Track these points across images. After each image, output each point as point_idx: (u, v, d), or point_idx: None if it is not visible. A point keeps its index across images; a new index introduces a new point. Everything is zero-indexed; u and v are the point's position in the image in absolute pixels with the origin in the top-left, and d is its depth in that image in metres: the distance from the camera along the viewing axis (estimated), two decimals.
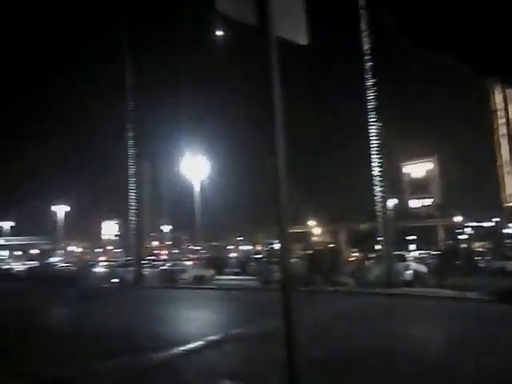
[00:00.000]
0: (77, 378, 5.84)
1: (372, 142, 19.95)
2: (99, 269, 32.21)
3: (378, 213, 19.91)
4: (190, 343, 7.87)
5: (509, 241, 66.72)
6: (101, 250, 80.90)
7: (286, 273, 2.78)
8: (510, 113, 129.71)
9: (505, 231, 75.00)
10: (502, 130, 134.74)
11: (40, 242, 76.65)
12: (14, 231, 72.18)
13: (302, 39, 3.11)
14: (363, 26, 19.83)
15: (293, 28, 3.02)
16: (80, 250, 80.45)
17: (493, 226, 76.34)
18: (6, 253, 77.74)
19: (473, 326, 9.79)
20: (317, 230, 69.09)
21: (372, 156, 19.98)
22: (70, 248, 78.38)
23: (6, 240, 72.93)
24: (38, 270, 33.84)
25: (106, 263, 36.77)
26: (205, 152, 38.12)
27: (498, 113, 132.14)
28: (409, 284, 19.62)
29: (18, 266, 46.79)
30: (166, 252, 66.06)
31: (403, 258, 21.46)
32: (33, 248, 79.65)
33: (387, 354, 6.88)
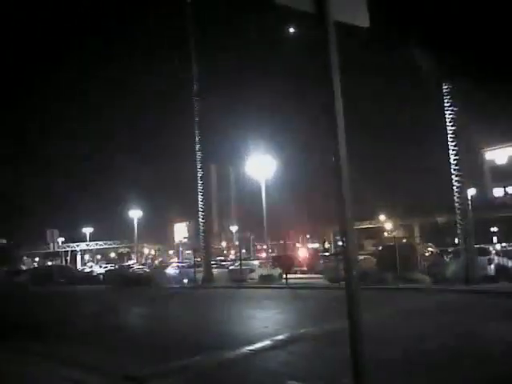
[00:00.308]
0: (147, 376, 5.88)
1: (448, 127, 18.67)
2: (171, 270, 33.37)
3: (455, 204, 18.61)
4: (257, 343, 7.72)
5: None
6: (172, 251, 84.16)
7: (351, 270, 2.57)
8: None
9: None
10: None
11: (117, 246, 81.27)
12: (93, 236, 77.09)
13: (363, 21, 2.94)
14: None
15: (352, 10, 2.87)
16: (153, 252, 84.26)
17: None
18: (87, 257, 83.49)
19: None
20: (388, 225, 66.58)
21: (448, 143, 18.70)
22: (144, 250, 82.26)
23: (87, 245, 78.10)
24: (116, 273, 35.74)
25: (177, 264, 38.02)
26: (270, 150, 38.11)
27: None
28: (492, 279, 18.20)
29: (98, 269, 49.78)
30: (234, 252, 67.19)
31: (486, 252, 19.93)
32: (111, 252, 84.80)
33: (462, 356, 6.27)
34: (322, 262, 31.94)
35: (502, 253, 23.33)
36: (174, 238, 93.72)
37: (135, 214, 64.82)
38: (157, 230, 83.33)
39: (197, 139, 28.28)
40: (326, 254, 43.02)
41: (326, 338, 8.14)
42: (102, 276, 36.71)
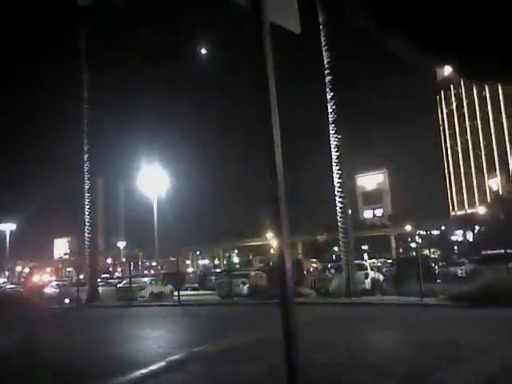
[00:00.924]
0: None
1: (333, 154, 20.23)
2: (50, 289, 30.59)
3: (338, 223, 20.11)
4: (150, 365, 7.42)
5: (456, 247, 70.59)
6: (51, 269, 77.26)
7: (284, 285, 2.64)
8: (455, 126, 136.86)
9: (453, 238, 79.41)
10: (449, 142, 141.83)
11: None
12: None
13: (296, 27, 3.00)
14: (322, 39, 20.22)
15: (286, 15, 2.92)
16: (28, 269, 76.40)
17: (441, 234, 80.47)
18: None
19: (434, 331, 9.98)
20: (275, 243, 69.07)
21: (333, 167, 20.24)
22: (17, 268, 74.25)
23: None
24: None
25: (57, 283, 34.97)
26: (162, 166, 37.43)
27: (446, 125, 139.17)
28: (368, 292, 19.92)
29: None
30: (121, 269, 64.04)
31: (362, 267, 21.77)
32: None
33: (354, 365, 6.78)
34: (213, 278, 32.02)
35: (376, 268, 25.82)
36: (53, 254, 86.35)
37: (7, 227, 58.52)
38: (33, 246, 76.09)
39: (85, 149, 26.64)
40: (218, 270, 43.24)
41: (222, 355, 8.15)
42: None
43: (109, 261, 79.06)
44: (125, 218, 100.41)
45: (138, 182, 38.20)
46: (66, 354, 9.25)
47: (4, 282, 47.57)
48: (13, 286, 38.04)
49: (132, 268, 32.99)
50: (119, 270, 66.11)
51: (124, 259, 75.73)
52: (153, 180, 35.12)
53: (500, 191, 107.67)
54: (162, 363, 7.58)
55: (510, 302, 12.86)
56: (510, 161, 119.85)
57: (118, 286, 27.35)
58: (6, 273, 67.29)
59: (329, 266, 31.67)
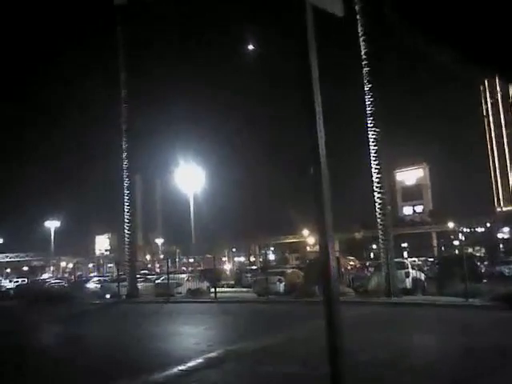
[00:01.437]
0: None
1: (371, 148, 19.68)
2: (92, 284, 31.53)
3: (377, 220, 19.56)
4: (189, 361, 7.41)
5: (502, 245, 67.46)
6: (92, 264, 79.88)
7: (329, 285, 2.51)
8: (501, 117, 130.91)
9: (499, 235, 75.79)
10: (494, 134, 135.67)
11: (31, 259, 75.39)
12: (2, 248, 70.92)
13: (338, 10, 2.88)
14: (360, 29, 19.71)
15: None
16: (71, 265, 79.36)
17: (487, 232, 77.00)
18: None
19: (479, 334, 9.48)
20: (311, 240, 68.63)
21: (371, 163, 19.69)
22: (61, 263, 77.17)
23: None
24: (27, 288, 32.99)
25: (98, 278, 36.04)
26: (199, 163, 37.81)
27: (491, 118, 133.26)
28: (409, 292, 19.29)
29: (8, 284, 45.74)
30: (159, 265, 65.36)
31: (403, 266, 21.11)
32: (23, 265, 78.39)
33: (396, 366, 6.52)
34: (249, 275, 32.03)
35: (417, 267, 25.01)
36: (94, 250, 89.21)
37: (52, 224, 60.83)
38: (76, 242, 78.86)
39: (124, 147, 27.19)
40: (254, 267, 43.29)
41: (260, 354, 8.06)
42: (11, 291, 33.77)
43: (147, 257, 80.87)
44: (162, 214, 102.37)
45: (175, 179, 38.74)
46: (106, 348, 9.44)
47: (49, 277, 49.50)
48: (57, 281, 39.52)
49: (170, 264, 33.49)
50: (158, 266, 67.53)
51: (162, 255, 77.18)
52: (189, 177, 35.48)
53: None
54: (200, 360, 7.56)
55: None
56: None
57: (157, 281, 27.81)
58: (52, 268, 70.06)
59: (367, 264, 31.04)
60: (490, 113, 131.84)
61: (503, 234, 75.55)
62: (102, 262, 77.91)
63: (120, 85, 27.37)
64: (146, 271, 46.55)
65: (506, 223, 76.93)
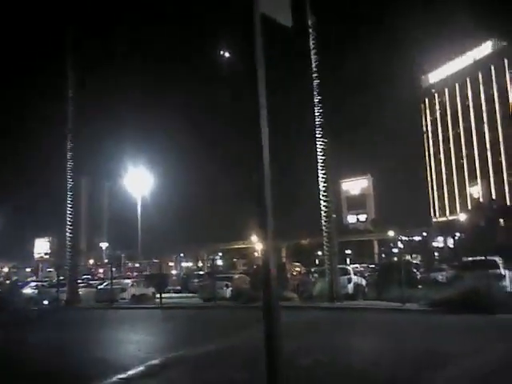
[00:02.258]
0: None
1: (319, 158, 20.25)
2: (29, 289, 29.97)
3: (323, 227, 20.12)
4: (129, 369, 7.28)
5: (437, 253, 71.70)
6: (31, 269, 75.84)
7: (269, 290, 2.58)
8: (439, 134, 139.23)
9: (434, 244, 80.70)
10: (432, 150, 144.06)
11: None
12: None
13: (287, 20, 2.93)
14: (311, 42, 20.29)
15: (278, 6, 2.84)
16: (6, 269, 74.92)
17: (423, 240, 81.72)
18: None
19: (413, 337, 10.05)
20: (260, 246, 69.02)
21: (318, 171, 20.27)
22: None
23: None
24: None
25: (36, 283, 34.29)
26: (147, 168, 37.07)
27: (430, 134, 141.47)
28: (351, 297, 19.98)
29: None
30: (103, 270, 63.28)
31: (346, 272, 21.82)
32: None
33: (337, 369, 6.77)
34: (196, 280, 31.81)
35: (358, 273, 25.95)
36: (33, 254, 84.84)
37: None
38: (14, 246, 74.58)
39: (68, 147, 26.20)
40: (201, 272, 42.98)
41: (202, 360, 8.04)
42: None
43: (91, 261, 78.02)
44: (109, 218, 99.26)
45: (123, 183, 37.78)
46: (42, 358, 9.03)
47: None
48: None
49: (114, 269, 32.55)
50: (101, 271, 65.32)
51: (106, 260, 74.75)
52: (137, 181, 34.75)
53: (480, 199, 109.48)
54: (141, 368, 7.44)
55: (489, 309, 13.06)
56: (490, 169, 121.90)
57: (99, 287, 26.93)
58: None
59: (312, 270, 31.74)
60: (430, 129, 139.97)
61: (438, 242, 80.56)
62: (40, 266, 74.16)
63: (66, 84, 26.40)
64: (89, 276, 44.90)
65: (440, 233, 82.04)
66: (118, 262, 65.58)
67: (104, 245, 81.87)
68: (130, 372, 7.14)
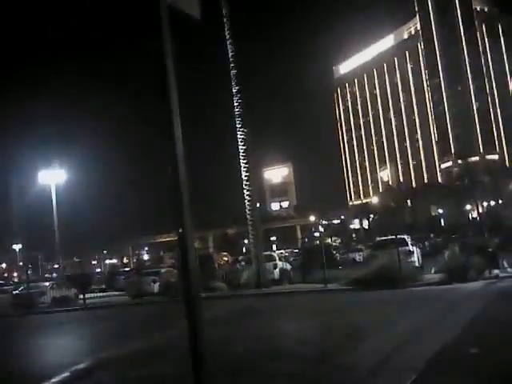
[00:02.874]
0: None
1: (240, 147, 20.51)
2: None
3: (247, 216, 20.52)
4: (53, 377, 7.01)
5: (355, 235, 76.31)
6: None
7: (189, 283, 2.65)
8: (351, 122, 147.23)
9: (351, 226, 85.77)
10: (345, 137, 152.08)
11: None
12: None
13: (195, 11, 2.88)
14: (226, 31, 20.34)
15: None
16: None
17: (341, 223, 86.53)
18: None
19: (336, 314, 10.77)
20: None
21: (240, 161, 20.55)
22: None
23: None
24: None
25: None
26: (61, 162, 35.00)
27: (343, 121, 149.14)
28: (277, 282, 20.68)
29: None
30: (18, 274, 59.21)
31: (271, 258, 22.49)
32: None
33: (267, 353, 7.07)
34: (122, 277, 30.92)
35: (283, 258, 26.89)
36: None
37: None
38: None
39: None
40: (127, 269, 41.80)
41: (130, 359, 7.94)
42: None
43: (3, 265, 72.43)
44: (20, 219, 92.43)
45: (37, 182, 35.43)
46: None
47: None
48: None
49: (31, 272, 30.59)
50: (16, 274, 61.02)
51: (21, 263, 69.75)
52: (51, 179, 32.79)
53: (390, 182, 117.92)
54: (66, 374, 7.20)
55: (400, 283, 14.33)
56: (397, 154, 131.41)
57: (14, 292, 25.17)
58: None
59: (239, 258, 32.28)
60: (343, 117, 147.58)
61: (354, 224, 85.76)
62: None
63: None
64: (2, 281, 41.74)
65: (356, 215, 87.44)
66: (34, 263, 61.61)
67: (17, 246, 76.26)
68: (54, 379, 6.88)
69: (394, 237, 18.94)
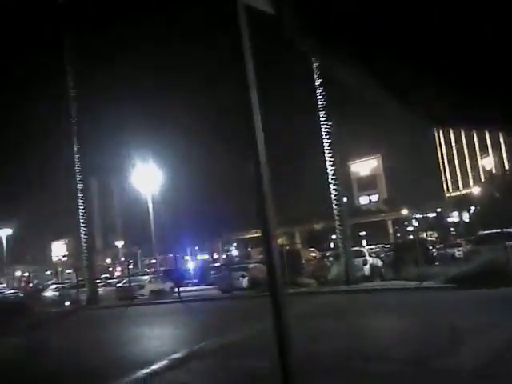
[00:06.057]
0: None
1: (324, 140, 20.15)
2: (50, 292, 30.53)
3: (334, 211, 20.10)
4: (153, 364, 7.41)
5: (453, 228, 71.09)
6: (50, 272, 77.14)
7: (274, 277, 2.57)
8: None
9: (449, 219, 79.86)
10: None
11: None
12: None
13: (266, 6, 2.85)
14: None
15: None
16: (26, 274, 76.22)
17: (437, 216, 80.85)
18: None
19: (433, 315, 10.03)
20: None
21: (326, 155, 20.18)
22: (16, 273, 74.01)
23: None
24: None
25: (56, 286, 34.90)
26: (156, 162, 37.27)
27: None
28: (367, 279, 19.99)
29: None
30: (120, 268, 64.02)
31: (361, 254, 21.81)
32: None
33: (357, 353, 6.79)
34: (213, 272, 32.03)
35: (374, 254, 25.93)
36: (51, 257, 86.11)
37: (3, 232, 58.37)
38: (31, 249, 75.81)
39: (75, 149, 26.40)
40: (217, 264, 43.31)
41: (224, 351, 8.14)
42: None
43: (108, 260, 79.00)
44: (122, 216, 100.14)
45: (133, 180, 38.08)
46: (66, 357, 9.23)
47: (3, 288, 47.31)
48: (12, 291, 37.94)
49: (131, 266, 32.94)
50: (119, 269, 66.11)
51: (123, 258, 75.63)
52: (146, 177, 35.00)
53: (493, 170, 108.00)
54: (164, 362, 7.57)
55: (507, 282, 12.98)
56: (501, 140, 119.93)
57: (118, 285, 27.31)
58: (3, 279, 66.94)
59: (327, 254, 31.78)
60: None
61: (452, 217, 79.76)
62: (59, 268, 75.31)
63: (69, 84, 26.51)
64: (107, 275, 45.52)
65: (454, 207, 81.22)
66: (134, 258, 66.33)
67: (120, 243, 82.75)
68: (154, 366, 7.27)
69: (499, 230, 17.30)
